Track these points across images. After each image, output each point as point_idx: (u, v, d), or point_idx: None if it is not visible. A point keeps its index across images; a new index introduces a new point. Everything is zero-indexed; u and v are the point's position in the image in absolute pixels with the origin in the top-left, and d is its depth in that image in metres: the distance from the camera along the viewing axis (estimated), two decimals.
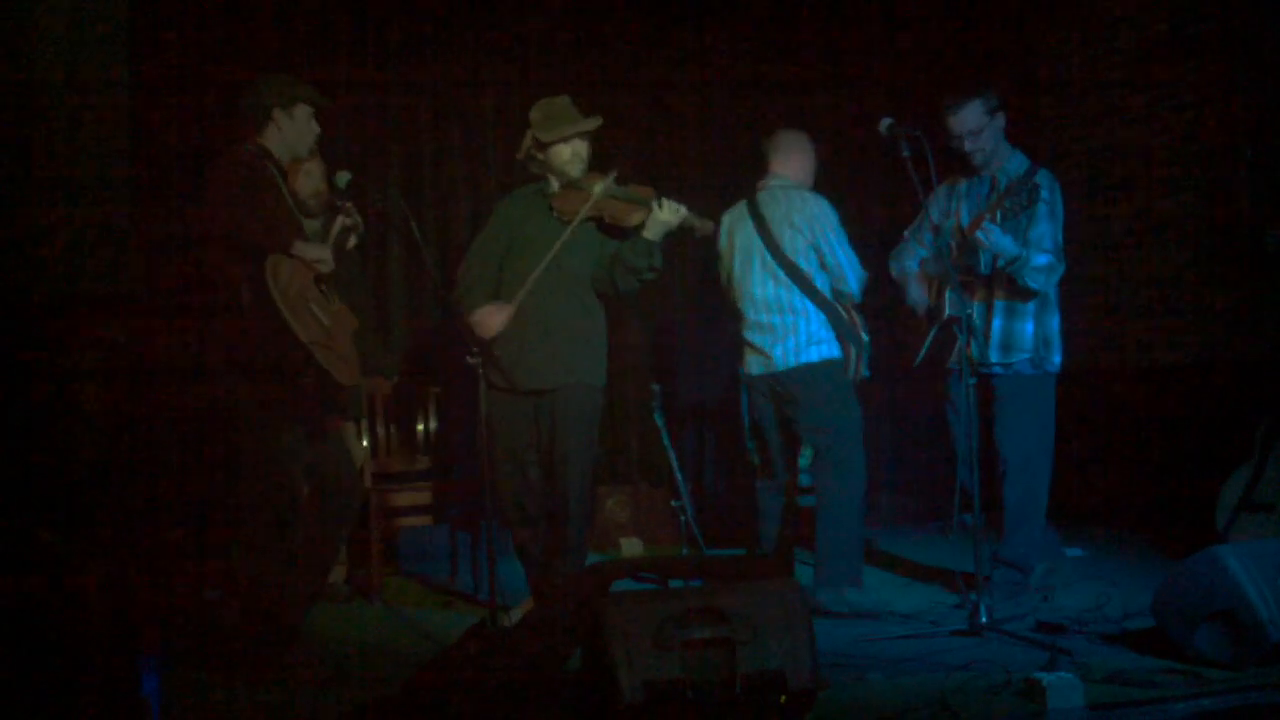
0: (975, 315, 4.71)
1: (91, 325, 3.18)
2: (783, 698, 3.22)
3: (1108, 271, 6.47)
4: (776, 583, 3.42)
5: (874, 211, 6.60)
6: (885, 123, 4.45)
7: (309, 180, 5.04)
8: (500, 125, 6.32)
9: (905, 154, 4.35)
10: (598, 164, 4.71)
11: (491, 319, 4.57)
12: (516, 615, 4.51)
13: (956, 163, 4.88)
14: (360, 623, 4.88)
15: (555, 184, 4.68)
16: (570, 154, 4.62)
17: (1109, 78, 6.37)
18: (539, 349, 4.58)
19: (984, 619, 4.24)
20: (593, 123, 4.64)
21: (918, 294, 4.94)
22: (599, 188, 4.57)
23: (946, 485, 5.07)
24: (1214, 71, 5.82)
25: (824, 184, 6.73)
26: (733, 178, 6.37)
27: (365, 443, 5.41)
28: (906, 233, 5.06)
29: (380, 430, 5.50)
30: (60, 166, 3.32)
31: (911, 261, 4.98)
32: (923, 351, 4.65)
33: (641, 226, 4.53)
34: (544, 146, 4.63)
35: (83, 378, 3.18)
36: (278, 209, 4.13)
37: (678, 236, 4.69)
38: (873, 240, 5.97)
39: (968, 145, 4.77)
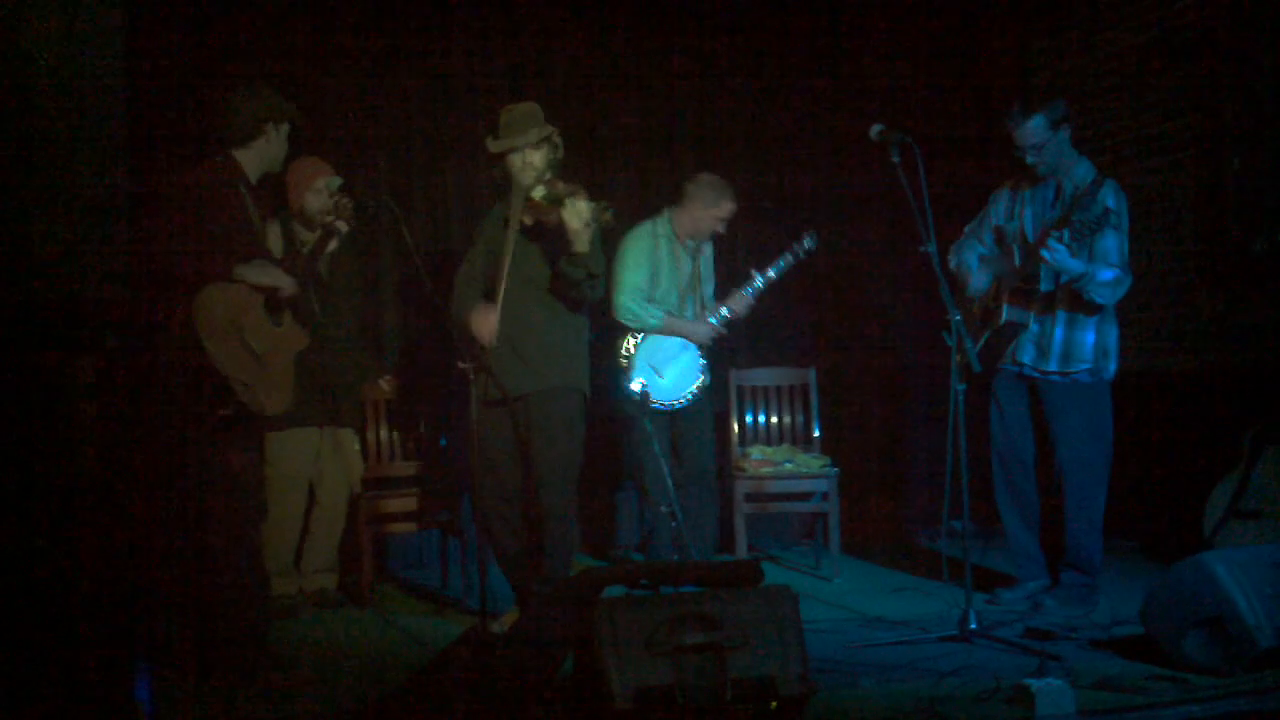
0: (1033, 323, 4.72)
1: (90, 330, 3.19)
2: (773, 703, 3.23)
3: None
4: (768, 589, 3.43)
5: (873, 215, 6.62)
6: (876, 129, 4.46)
7: (318, 198, 5.02)
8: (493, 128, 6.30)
9: (895, 160, 4.37)
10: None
11: (484, 320, 4.54)
12: (505, 624, 4.50)
13: (1021, 166, 4.80)
14: (351, 628, 4.88)
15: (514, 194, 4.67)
16: (521, 163, 4.59)
17: (1099, 84, 6.40)
18: (511, 357, 4.58)
19: (974, 625, 4.27)
20: (535, 135, 4.56)
21: (978, 284, 4.89)
22: (538, 193, 4.52)
23: (936, 491, 5.08)
24: (1202, 80, 5.84)
25: (823, 188, 6.76)
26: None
27: (356, 448, 5.42)
28: (967, 229, 5.03)
29: (371, 436, 5.49)
30: (57, 171, 3.31)
31: (970, 255, 4.96)
32: (975, 351, 4.47)
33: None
34: (496, 158, 4.62)
35: (81, 382, 3.18)
36: (234, 231, 4.11)
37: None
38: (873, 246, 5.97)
39: (1030, 159, 4.72)
